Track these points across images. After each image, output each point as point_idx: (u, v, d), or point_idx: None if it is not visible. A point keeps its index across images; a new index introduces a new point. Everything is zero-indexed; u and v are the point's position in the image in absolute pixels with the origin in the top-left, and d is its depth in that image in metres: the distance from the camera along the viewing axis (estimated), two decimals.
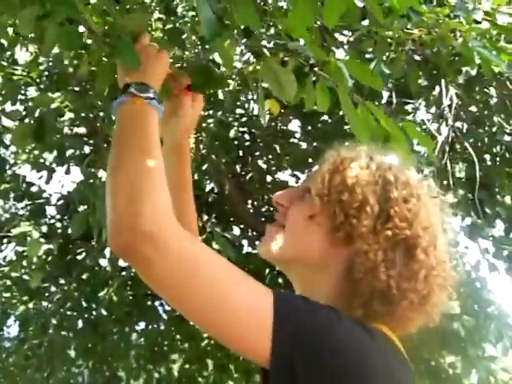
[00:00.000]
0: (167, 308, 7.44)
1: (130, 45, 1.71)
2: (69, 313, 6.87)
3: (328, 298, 1.41)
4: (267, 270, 6.00)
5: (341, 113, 6.10)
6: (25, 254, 6.73)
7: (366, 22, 4.01)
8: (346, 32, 4.84)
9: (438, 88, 5.46)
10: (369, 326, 1.33)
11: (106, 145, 5.25)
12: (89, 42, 4.66)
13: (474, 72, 5.09)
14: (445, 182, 5.56)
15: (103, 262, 7.02)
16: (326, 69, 1.99)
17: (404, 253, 1.41)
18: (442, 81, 5.08)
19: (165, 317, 7.51)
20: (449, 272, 1.47)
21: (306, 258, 1.48)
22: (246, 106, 6.62)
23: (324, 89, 2.00)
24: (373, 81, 1.93)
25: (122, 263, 7.01)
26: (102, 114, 5.00)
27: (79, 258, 6.90)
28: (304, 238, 1.48)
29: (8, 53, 5.47)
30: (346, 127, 5.85)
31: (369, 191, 1.43)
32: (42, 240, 6.13)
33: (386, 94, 5.59)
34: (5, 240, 7.41)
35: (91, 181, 4.91)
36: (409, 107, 6.01)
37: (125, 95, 1.50)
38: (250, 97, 6.51)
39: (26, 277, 7.13)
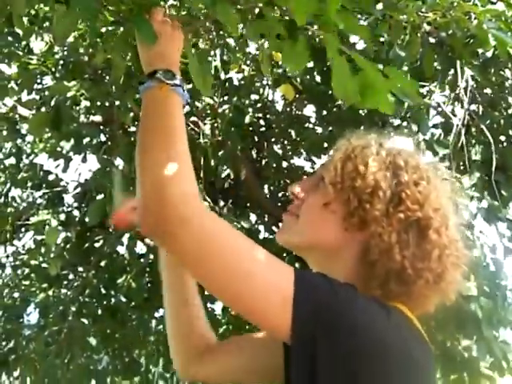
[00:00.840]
0: None
1: (146, 20, 1.71)
2: (88, 300, 6.91)
3: (349, 281, 1.45)
4: (284, 255, 6.01)
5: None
6: (43, 242, 6.79)
7: (379, 6, 4.00)
8: (359, 16, 4.83)
9: (452, 70, 5.44)
10: (386, 304, 1.37)
11: (121, 132, 5.27)
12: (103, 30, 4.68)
13: (489, 54, 5.07)
14: (461, 165, 5.56)
15: (121, 249, 7.06)
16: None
17: (417, 234, 1.47)
18: (458, 63, 5.06)
19: None
20: (462, 250, 1.53)
21: (323, 244, 1.53)
22: (261, 91, 6.61)
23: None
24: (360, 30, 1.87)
25: (139, 250, 7.05)
26: (117, 102, 5.01)
27: (97, 245, 6.93)
28: (320, 225, 1.54)
29: (23, 42, 5.50)
30: (361, 111, 5.85)
31: (380, 176, 1.49)
32: (60, 228, 6.18)
33: None
34: (23, 229, 7.47)
35: (107, 169, 4.94)
36: (424, 90, 5.99)
37: (151, 81, 1.53)
38: (264, 82, 6.51)
39: (44, 265, 7.18)
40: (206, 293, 5.70)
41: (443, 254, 1.47)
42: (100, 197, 4.95)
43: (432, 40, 4.64)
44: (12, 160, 7.32)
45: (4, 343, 7.48)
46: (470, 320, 5.35)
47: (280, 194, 6.93)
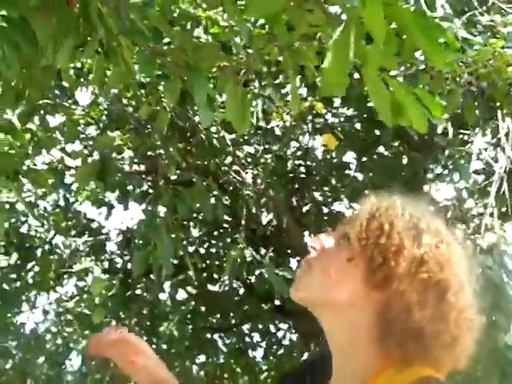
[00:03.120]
0: (227, 341, 7.49)
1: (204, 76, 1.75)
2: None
3: (364, 339, 1.49)
4: None
5: (396, 144, 6.12)
6: (86, 289, 6.86)
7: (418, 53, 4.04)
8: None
9: (494, 117, 5.45)
10: None
11: (164, 182, 5.34)
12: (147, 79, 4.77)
13: None
14: (503, 211, 5.55)
15: (163, 296, 7.11)
16: None
17: (436, 295, 1.49)
18: (498, 111, 5.07)
19: (224, 349, 7.56)
20: (476, 316, 1.54)
21: (340, 298, 1.55)
22: (301, 138, 6.67)
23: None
24: None
25: (181, 297, 7.08)
26: (161, 152, 5.10)
27: (139, 292, 6.99)
28: (342, 278, 1.57)
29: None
30: (403, 157, 5.87)
31: (404, 236, 1.53)
32: (104, 276, 6.24)
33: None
34: (66, 275, 7.56)
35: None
36: (465, 137, 5.99)
37: None
38: (304, 130, 6.57)
39: (86, 311, 7.24)
40: (247, 339, 5.64)
41: (460, 317, 1.49)
42: (143, 245, 4.98)
43: (473, 89, 4.66)
44: (54, 206, 7.44)
45: None
46: None
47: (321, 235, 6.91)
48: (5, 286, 7.47)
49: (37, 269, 7.43)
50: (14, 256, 7.46)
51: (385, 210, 1.57)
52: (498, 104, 4.74)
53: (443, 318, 1.47)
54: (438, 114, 2.02)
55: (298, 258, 7.00)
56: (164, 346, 7.21)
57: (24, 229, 7.63)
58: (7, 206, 7.01)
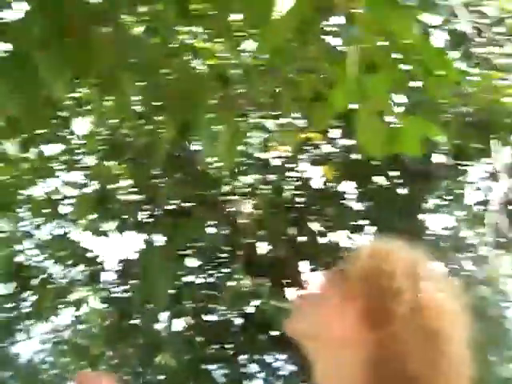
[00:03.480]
0: (223, 372, 7.45)
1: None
2: (125, 378, 6.89)
3: (358, 377, 1.47)
4: None
5: (393, 174, 6.13)
6: (82, 318, 6.83)
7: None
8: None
9: (491, 147, 5.48)
10: None
11: (161, 211, 5.35)
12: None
13: None
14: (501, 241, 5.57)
15: (159, 327, 7.07)
16: None
17: (430, 343, 1.48)
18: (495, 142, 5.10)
19: (221, 380, 7.51)
20: (469, 365, 1.53)
21: (338, 334, 1.54)
22: (298, 168, 6.69)
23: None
24: None
25: (176, 328, 7.04)
26: (158, 181, 5.11)
27: (135, 322, 6.95)
28: (339, 315, 1.55)
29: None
30: (399, 190, 5.88)
31: (403, 280, 1.52)
32: (100, 306, 6.21)
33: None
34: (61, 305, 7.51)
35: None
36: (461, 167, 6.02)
37: None
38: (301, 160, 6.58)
39: (82, 341, 7.21)
40: (243, 370, 5.60)
41: (452, 365, 1.50)
42: (141, 275, 4.97)
43: (469, 120, 4.68)
44: (50, 236, 7.41)
45: None
46: None
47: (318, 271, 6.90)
48: (0, 315, 7.44)
49: (33, 298, 7.39)
50: (10, 285, 7.43)
51: (386, 252, 1.58)
52: (493, 135, 4.77)
53: (436, 365, 1.47)
54: (438, 136, 2.04)
55: (295, 289, 6.98)
56: (160, 377, 7.17)
57: (20, 258, 7.60)
58: (2, 235, 7.01)
